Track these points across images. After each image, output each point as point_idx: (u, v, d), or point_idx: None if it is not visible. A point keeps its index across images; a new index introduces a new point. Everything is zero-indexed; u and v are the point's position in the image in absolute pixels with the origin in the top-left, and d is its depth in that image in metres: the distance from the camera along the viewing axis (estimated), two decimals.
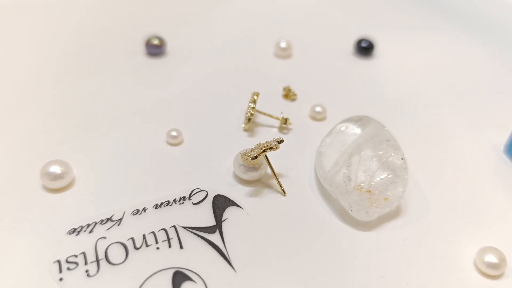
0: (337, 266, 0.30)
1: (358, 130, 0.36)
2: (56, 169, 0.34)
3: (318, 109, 0.41)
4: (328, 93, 0.45)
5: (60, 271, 0.29)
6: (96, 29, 0.52)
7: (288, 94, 0.43)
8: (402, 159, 0.33)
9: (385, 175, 0.32)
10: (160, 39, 0.48)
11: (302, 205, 0.34)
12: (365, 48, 0.50)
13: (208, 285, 0.28)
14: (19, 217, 0.32)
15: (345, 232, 0.32)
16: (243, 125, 0.39)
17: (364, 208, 0.32)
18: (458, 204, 0.35)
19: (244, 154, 0.33)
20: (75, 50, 0.49)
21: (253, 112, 0.39)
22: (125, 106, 0.42)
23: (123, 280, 0.28)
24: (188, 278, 0.29)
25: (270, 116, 0.40)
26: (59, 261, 0.29)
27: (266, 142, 0.34)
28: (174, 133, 0.38)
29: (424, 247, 0.32)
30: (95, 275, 0.29)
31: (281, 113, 0.40)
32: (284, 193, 0.34)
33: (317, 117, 0.41)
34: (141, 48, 0.49)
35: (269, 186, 0.35)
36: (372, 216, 0.32)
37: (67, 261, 0.29)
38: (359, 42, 0.49)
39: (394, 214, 0.34)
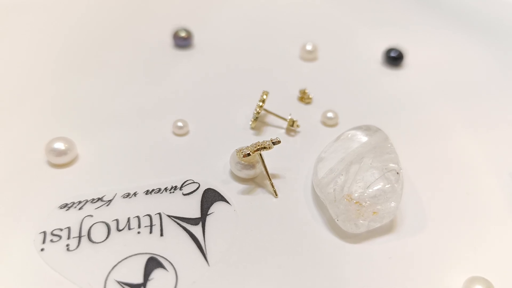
0: (314, 275, 0.29)
1: (364, 139, 0.35)
2: (60, 145, 0.35)
3: (329, 114, 0.40)
4: (346, 100, 0.44)
5: (44, 242, 0.30)
6: (126, 20, 0.53)
7: (303, 97, 0.43)
8: (397, 173, 0.32)
9: (378, 187, 0.31)
10: (187, 31, 0.49)
11: (292, 209, 0.33)
12: (394, 58, 0.48)
13: (178, 275, 0.29)
14: (21, 189, 0.33)
15: (330, 242, 0.31)
16: (250, 123, 0.39)
17: (351, 220, 0.31)
18: (456, 226, 0.33)
19: (239, 151, 0.33)
20: (100, 40, 0.50)
21: (259, 111, 0.38)
22: (141, 95, 0.43)
23: (98, 259, 0.29)
24: (160, 266, 0.29)
25: (278, 116, 0.39)
26: (44, 233, 0.30)
27: (263, 141, 0.34)
28: (180, 124, 0.38)
29: (409, 268, 0.30)
30: (74, 250, 0.30)
31: (290, 114, 0.39)
32: (276, 195, 0.34)
33: (328, 122, 0.40)
34: (169, 40, 0.50)
35: (263, 186, 0.35)
36: (361, 228, 0.31)
37: (52, 234, 0.30)
38: (389, 51, 0.48)
39: (387, 228, 0.32)
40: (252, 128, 0.40)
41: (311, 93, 0.44)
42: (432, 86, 0.46)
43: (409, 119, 0.42)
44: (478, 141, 0.40)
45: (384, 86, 0.46)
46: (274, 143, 0.33)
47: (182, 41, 0.49)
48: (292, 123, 0.39)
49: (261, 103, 0.39)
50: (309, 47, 0.48)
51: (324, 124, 0.41)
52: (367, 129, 0.37)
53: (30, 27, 0.50)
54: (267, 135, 0.39)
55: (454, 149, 0.39)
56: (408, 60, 0.49)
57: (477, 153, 0.39)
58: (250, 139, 0.39)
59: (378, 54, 0.49)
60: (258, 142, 0.34)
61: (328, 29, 0.54)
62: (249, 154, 0.33)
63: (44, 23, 0.51)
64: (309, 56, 0.49)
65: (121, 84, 0.44)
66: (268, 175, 0.34)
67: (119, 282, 0.28)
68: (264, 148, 0.33)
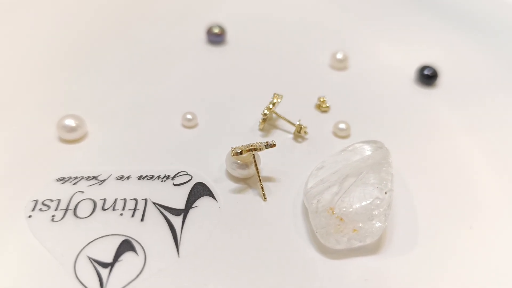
0: (280, 285, 0.28)
1: (367, 154, 0.34)
2: (71, 122, 0.37)
3: (341, 126, 0.39)
4: (366, 114, 0.42)
5: (33, 209, 0.32)
6: (161, 16, 0.55)
7: (320, 105, 0.42)
8: (385, 193, 0.30)
9: (363, 205, 0.29)
10: (221, 28, 0.50)
11: (277, 215, 0.33)
12: (428, 76, 0.45)
13: (147, 261, 0.29)
14: (27, 158, 0.35)
15: (307, 254, 0.30)
16: (259, 125, 0.39)
17: (331, 234, 0.29)
18: (446, 258, 0.30)
19: (233, 149, 0.33)
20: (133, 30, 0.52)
21: (267, 112, 0.38)
22: (161, 86, 0.44)
23: (77, 233, 0.30)
24: (132, 249, 0.30)
25: (287, 120, 0.39)
26: (36, 201, 0.32)
27: (257, 142, 0.33)
28: (189, 116, 0.39)
29: None
30: (58, 221, 0.31)
31: (299, 120, 0.39)
32: (265, 198, 0.33)
33: (339, 133, 0.39)
34: (203, 36, 0.51)
35: (256, 188, 0.34)
36: (341, 245, 0.30)
37: (42, 203, 0.32)
38: (422, 69, 0.45)
39: (371, 248, 0.31)
40: (260, 130, 0.39)
41: (330, 102, 0.42)
42: (463, 112, 0.43)
43: (429, 146, 0.39)
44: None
45: (410, 105, 0.43)
46: (266, 146, 0.33)
47: (215, 37, 0.50)
48: (299, 129, 0.38)
49: (271, 106, 0.39)
50: (339, 56, 0.47)
51: (335, 134, 0.39)
52: (373, 143, 0.35)
53: (55, 8, 0.53)
54: (274, 137, 0.39)
55: (465, 172, 0.36)
56: (442, 79, 0.46)
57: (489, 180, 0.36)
58: (255, 140, 0.38)
59: (411, 71, 0.47)
60: (253, 143, 0.33)
61: (362, 41, 0.52)
62: (241, 153, 0.33)
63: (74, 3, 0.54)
64: (339, 64, 0.47)
65: (143, 73, 0.45)
66: (259, 177, 0.33)
67: (89, 258, 0.29)
68: (255, 149, 0.33)
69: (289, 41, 0.52)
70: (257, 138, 0.39)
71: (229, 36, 0.51)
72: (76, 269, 0.28)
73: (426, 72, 0.45)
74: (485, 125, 0.42)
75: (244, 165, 0.34)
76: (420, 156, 0.38)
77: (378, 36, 0.53)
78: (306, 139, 0.39)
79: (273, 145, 0.33)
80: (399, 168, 0.36)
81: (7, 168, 0.34)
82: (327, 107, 0.42)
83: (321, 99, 0.42)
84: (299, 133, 0.38)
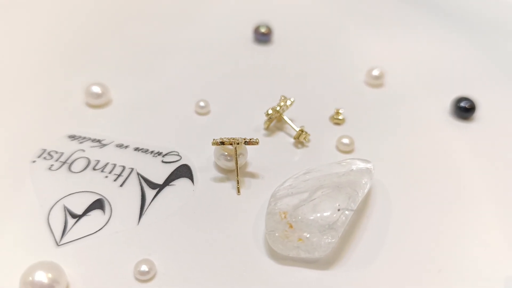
0: (217, 277, 0.29)
1: (351, 169, 0.33)
2: (97, 89, 0.41)
3: (345, 140, 0.38)
4: (383, 135, 0.40)
5: (39, 156, 0.36)
6: (213, 16, 0.57)
7: (334, 116, 0.41)
8: (339, 210, 0.29)
9: (317, 216, 0.29)
10: (268, 27, 0.51)
11: (243, 210, 0.33)
12: (464, 109, 0.42)
13: (109, 221, 0.32)
14: (51, 115, 0.40)
15: (255, 254, 0.31)
16: (264, 124, 0.40)
17: (278, 238, 0.30)
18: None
19: (215, 139, 0.34)
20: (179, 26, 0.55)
21: (270, 112, 0.39)
22: (191, 77, 0.46)
23: (63, 184, 0.34)
24: (102, 208, 0.33)
25: (289, 124, 0.39)
26: (44, 150, 0.37)
27: (240, 137, 0.34)
28: (202, 103, 0.41)
29: None
30: (53, 170, 0.35)
31: (301, 126, 0.39)
32: (238, 192, 0.34)
33: (341, 148, 0.39)
34: (250, 35, 0.53)
35: (235, 181, 0.35)
36: (288, 252, 0.30)
37: (48, 153, 0.36)
38: (459, 101, 0.43)
39: (325, 263, 0.30)
40: (265, 129, 0.40)
41: (349, 116, 0.42)
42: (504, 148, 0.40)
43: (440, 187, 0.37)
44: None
45: (440, 138, 0.41)
46: (246, 142, 0.34)
47: (262, 36, 0.52)
48: (298, 135, 0.38)
49: (278, 107, 0.39)
50: (375, 73, 0.46)
51: (337, 148, 0.39)
52: (366, 162, 0.34)
53: None
54: (276, 139, 0.39)
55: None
56: (480, 113, 0.43)
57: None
58: (254, 136, 0.39)
59: (447, 102, 0.44)
60: (236, 137, 0.35)
61: (406, 60, 0.50)
62: (222, 143, 0.34)
63: None
64: (374, 81, 0.46)
65: (182, 66, 0.48)
66: (237, 171, 0.35)
67: (65, 207, 0.33)
68: (236, 143, 0.34)
69: (331, 49, 0.51)
70: (259, 136, 0.39)
71: (276, 36, 0.52)
72: (50, 213, 0.32)
73: (462, 104, 0.42)
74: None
75: (230, 157, 0.35)
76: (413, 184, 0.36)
77: (422, 58, 0.50)
78: (307, 146, 0.39)
79: (254, 143, 0.34)
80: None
81: (33, 120, 0.40)
82: (340, 119, 0.41)
83: (337, 111, 0.41)
84: (298, 139, 0.39)
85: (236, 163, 0.35)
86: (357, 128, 0.41)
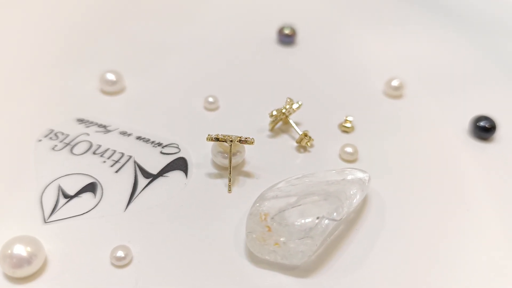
0: (193, 274, 0.29)
1: (347, 179, 0.32)
2: (111, 76, 0.42)
3: (348, 149, 0.37)
4: (393, 148, 0.39)
5: (45, 136, 0.37)
6: (238, 17, 0.57)
7: (342, 124, 0.40)
8: (317, 218, 0.28)
9: (298, 224, 0.28)
10: (292, 29, 0.51)
11: (231, 208, 0.33)
12: (484, 129, 0.40)
13: (98, 205, 0.33)
14: (67, 99, 0.42)
15: (232, 256, 0.30)
16: (269, 125, 0.40)
17: (255, 240, 0.29)
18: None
19: (210, 135, 0.34)
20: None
21: (276, 114, 0.38)
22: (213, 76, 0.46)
23: (62, 164, 0.35)
24: (93, 191, 0.33)
25: (293, 128, 0.39)
26: (51, 131, 0.38)
27: (235, 135, 0.34)
28: (210, 99, 0.41)
29: None
30: (56, 151, 0.36)
31: (305, 131, 0.38)
32: (229, 190, 0.34)
33: (344, 157, 0.37)
34: (274, 36, 0.52)
35: (230, 178, 0.35)
36: (265, 255, 0.29)
37: (54, 133, 0.38)
38: (478, 120, 0.40)
39: (303, 271, 0.30)
40: (270, 130, 0.40)
41: (360, 125, 0.41)
42: None
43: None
44: None
45: (460, 159, 0.39)
46: (240, 141, 0.34)
47: (286, 38, 0.51)
48: (300, 140, 0.38)
49: (284, 110, 0.39)
50: (395, 83, 0.44)
51: (340, 156, 0.38)
52: (362, 172, 0.33)
53: None
54: (279, 141, 0.39)
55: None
56: (501, 133, 0.40)
57: None
58: (259, 138, 0.39)
59: (465, 121, 0.42)
60: (231, 134, 0.34)
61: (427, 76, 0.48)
62: (217, 140, 0.34)
63: None
64: (392, 92, 0.45)
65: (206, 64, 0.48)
66: (230, 169, 0.34)
67: (59, 187, 0.34)
68: (230, 140, 0.34)
69: (353, 55, 0.50)
70: (262, 137, 0.39)
71: (300, 38, 0.52)
72: (45, 191, 0.33)
73: (482, 124, 0.40)
74: None
75: (226, 154, 0.35)
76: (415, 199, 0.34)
77: (448, 72, 0.48)
78: (309, 151, 0.38)
79: (249, 142, 0.34)
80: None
81: (48, 101, 0.41)
82: (348, 127, 0.40)
83: (346, 119, 0.40)
84: (300, 144, 0.38)
85: (230, 161, 0.34)
86: (366, 138, 0.40)
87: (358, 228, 0.32)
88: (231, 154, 0.34)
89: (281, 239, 0.28)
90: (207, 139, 0.34)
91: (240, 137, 0.34)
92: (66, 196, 0.33)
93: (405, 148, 0.39)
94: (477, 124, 0.40)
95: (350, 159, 0.37)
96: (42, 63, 0.46)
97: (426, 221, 0.33)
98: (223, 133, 0.35)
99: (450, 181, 0.36)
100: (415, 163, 0.38)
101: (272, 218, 0.29)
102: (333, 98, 0.44)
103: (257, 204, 0.30)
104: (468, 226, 0.33)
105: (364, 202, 0.34)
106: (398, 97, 0.45)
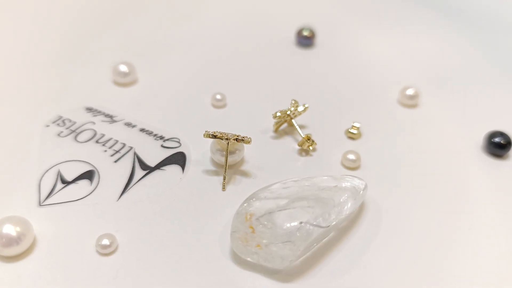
0: (174, 270, 0.29)
1: (341, 186, 0.32)
2: (124, 68, 0.43)
3: (350, 156, 0.36)
4: (399, 158, 0.38)
5: (53, 122, 0.38)
6: (256, 18, 0.56)
7: (348, 130, 0.39)
8: (301, 223, 0.28)
9: (284, 228, 0.28)
10: (311, 31, 0.50)
11: (222, 206, 0.33)
12: (498, 145, 0.38)
13: (92, 193, 0.33)
14: (79, 88, 0.43)
15: (216, 253, 0.30)
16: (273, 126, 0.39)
17: (238, 240, 0.29)
18: None
19: (207, 131, 0.34)
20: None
21: (279, 114, 0.38)
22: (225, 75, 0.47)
23: (64, 150, 0.36)
24: (90, 179, 0.34)
25: (297, 130, 0.38)
26: (60, 117, 0.39)
27: (233, 134, 0.34)
28: (218, 96, 0.41)
29: None
30: (61, 137, 0.37)
31: (307, 135, 0.37)
32: (223, 188, 0.34)
33: (345, 163, 0.37)
34: (292, 38, 0.52)
35: (224, 176, 0.35)
36: (246, 256, 0.29)
37: (62, 120, 0.39)
38: (492, 135, 0.38)
39: (284, 275, 0.29)
40: (274, 131, 0.39)
41: (367, 132, 0.40)
42: None
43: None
44: None
45: (476, 176, 0.37)
46: (237, 139, 0.33)
47: (304, 39, 0.50)
48: (302, 143, 0.37)
49: (288, 112, 0.38)
50: (410, 92, 0.43)
51: (341, 163, 0.37)
52: (359, 180, 0.33)
53: None
54: (282, 142, 0.39)
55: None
56: None
57: None
58: (262, 138, 0.39)
59: (479, 135, 0.40)
60: (227, 132, 0.34)
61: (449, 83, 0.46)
62: (214, 137, 0.34)
63: None
64: (407, 101, 0.43)
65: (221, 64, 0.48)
66: (225, 167, 0.34)
67: (58, 172, 0.34)
68: (226, 138, 0.33)
69: (370, 61, 0.49)
70: (266, 138, 0.39)
71: (318, 40, 0.51)
72: (44, 175, 0.34)
73: (497, 140, 0.38)
74: None
75: (224, 152, 0.35)
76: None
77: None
78: (311, 155, 0.38)
79: (246, 142, 0.34)
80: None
81: (61, 88, 0.42)
82: (354, 134, 0.39)
83: (353, 125, 0.39)
84: (302, 147, 0.37)
85: (226, 159, 0.34)
86: (372, 146, 0.39)
87: (350, 237, 0.31)
88: (227, 152, 0.34)
89: (264, 241, 0.28)
90: (204, 135, 0.34)
91: (237, 136, 0.34)
92: (63, 181, 0.34)
93: (412, 160, 0.38)
94: (492, 140, 0.38)
95: (352, 166, 0.36)
96: (60, 53, 0.47)
97: (422, 236, 0.32)
98: (221, 131, 0.35)
99: (456, 197, 0.35)
100: (420, 176, 0.36)
101: (257, 219, 0.28)
102: (344, 102, 0.43)
103: (245, 204, 0.30)
104: (470, 246, 0.31)
105: (360, 210, 0.33)
106: (413, 106, 0.43)
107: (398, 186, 0.35)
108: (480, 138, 0.40)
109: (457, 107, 0.43)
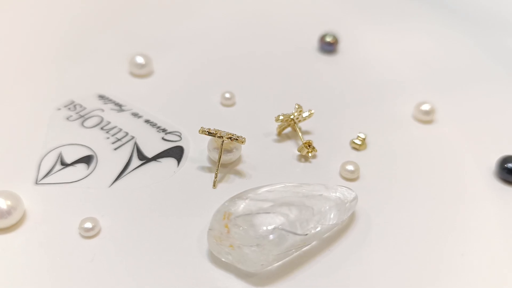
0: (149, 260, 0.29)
1: (331, 196, 0.31)
2: (140, 59, 0.44)
3: (349, 167, 0.36)
4: (402, 174, 0.36)
5: (65, 106, 0.40)
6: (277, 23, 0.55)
7: (353, 140, 0.38)
8: (274, 228, 0.27)
9: (260, 231, 0.27)
10: (334, 37, 0.49)
11: (210, 203, 0.33)
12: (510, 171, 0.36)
13: (87, 177, 0.34)
14: (94, 81, 0.44)
15: (192, 249, 0.30)
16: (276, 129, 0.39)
17: (212, 238, 0.29)
18: None
19: (203, 127, 0.34)
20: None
21: (282, 119, 0.37)
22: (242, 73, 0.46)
23: (69, 134, 0.37)
24: (88, 163, 0.35)
25: (299, 136, 0.38)
26: (72, 102, 0.40)
27: (227, 132, 0.34)
28: (227, 95, 0.42)
29: None
30: (69, 121, 0.39)
31: (308, 141, 0.37)
32: (214, 186, 0.34)
33: (343, 174, 0.36)
34: (315, 44, 0.51)
35: (218, 173, 0.35)
36: (221, 255, 0.29)
37: (73, 105, 0.40)
38: (504, 161, 0.36)
39: (257, 279, 0.29)
40: (277, 135, 0.39)
41: (374, 144, 0.39)
42: None
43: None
44: None
45: (487, 203, 0.35)
46: (231, 138, 0.33)
47: (327, 45, 0.50)
48: (301, 148, 0.36)
49: (292, 116, 0.38)
50: (425, 107, 0.41)
51: (339, 174, 0.36)
52: (350, 191, 0.32)
53: None
54: (283, 146, 0.38)
55: None
56: None
57: None
58: (264, 140, 0.38)
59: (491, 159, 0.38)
60: (223, 130, 0.34)
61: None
62: (209, 134, 0.34)
63: None
64: (422, 116, 0.42)
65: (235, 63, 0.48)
66: (218, 165, 0.34)
67: (59, 154, 0.36)
68: (220, 137, 0.34)
69: (389, 72, 0.47)
70: (267, 140, 0.38)
71: (341, 47, 0.50)
72: (46, 156, 0.35)
73: (510, 165, 0.36)
74: None
75: (218, 150, 0.35)
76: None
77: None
78: (310, 162, 0.37)
79: (240, 141, 0.33)
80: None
81: (79, 75, 0.44)
82: (358, 144, 0.38)
83: (358, 135, 0.38)
84: (301, 153, 0.37)
85: (219, 157, 0.34)
86: (375, 158, 0.37)
87: (332, 248, 0.31)
88: (221, 150, 0.34)
89: (236, 242, 0.28)
90: (199, 131, 0.34)
91: (232, 135, 0.34)
92: (63, 163, 0.35)
93: (415, 177, 0.36)
94: (505, 165, 0.36)
95: (350, 177, 0.36)
96: (81, 44, 0.48)
97: (409, 257, 0.31)
98: (218, 128, 0.35)
99: (453, 221, 0.33)
100: (420, 194, 0.35)
101: (234, 219, 0.28)
102: (354, 111, 0.42)
103: (227, 203, 0.30)
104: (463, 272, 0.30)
105: (349, 222, 0.32)
106: (428, 122, 0.42)
107: (393, 202, 0.34)
108: (492, 161, 0.37)
109: (472, 126, 0.41)
